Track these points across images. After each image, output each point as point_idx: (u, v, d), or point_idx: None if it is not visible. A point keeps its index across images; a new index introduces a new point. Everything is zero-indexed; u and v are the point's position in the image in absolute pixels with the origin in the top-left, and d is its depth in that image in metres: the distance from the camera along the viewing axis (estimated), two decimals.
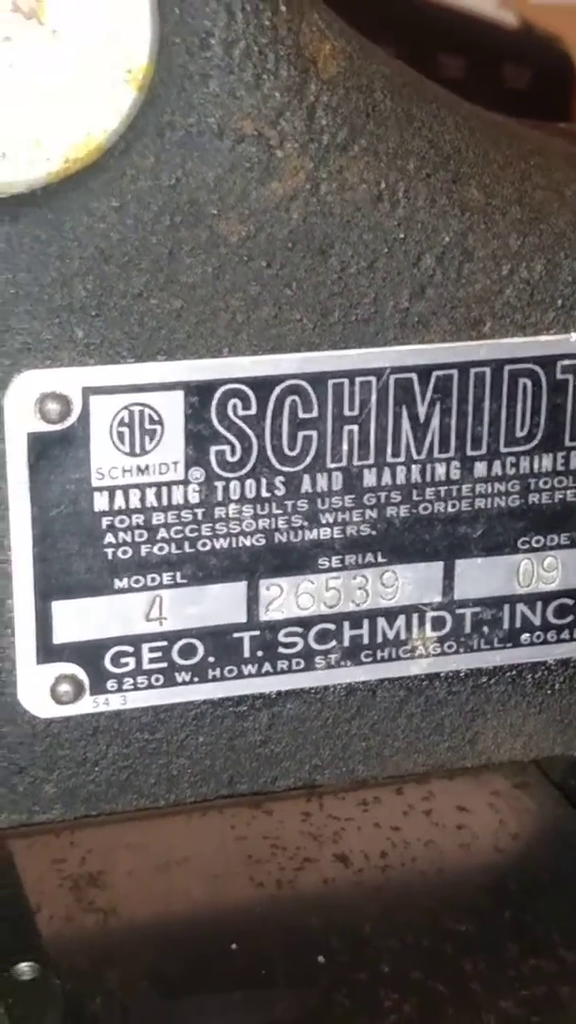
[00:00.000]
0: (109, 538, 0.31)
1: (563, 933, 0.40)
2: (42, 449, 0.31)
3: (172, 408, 0.32)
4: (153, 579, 0.33)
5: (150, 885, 0.41)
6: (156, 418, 0.32)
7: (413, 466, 0.34)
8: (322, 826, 0.43)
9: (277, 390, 0.32)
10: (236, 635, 0.33)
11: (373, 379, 0.33)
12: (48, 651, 0.32)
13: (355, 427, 0.33)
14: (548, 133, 0.37)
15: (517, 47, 0.58)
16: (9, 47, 0.27)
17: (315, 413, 0.33)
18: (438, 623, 0.35)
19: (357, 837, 0.43)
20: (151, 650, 0.32)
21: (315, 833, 0.43)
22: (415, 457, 0.34)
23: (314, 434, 0.33)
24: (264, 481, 0.33)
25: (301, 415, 0.33)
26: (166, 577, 0.32)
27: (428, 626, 0.35)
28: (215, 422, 0.32)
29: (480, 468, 0.34)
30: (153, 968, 0.38)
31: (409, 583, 0.34)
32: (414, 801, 0.44)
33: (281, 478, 0.33)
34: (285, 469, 0.33)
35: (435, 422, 0.33)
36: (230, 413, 0.32)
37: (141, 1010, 0.36)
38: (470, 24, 0.59)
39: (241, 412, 0.32)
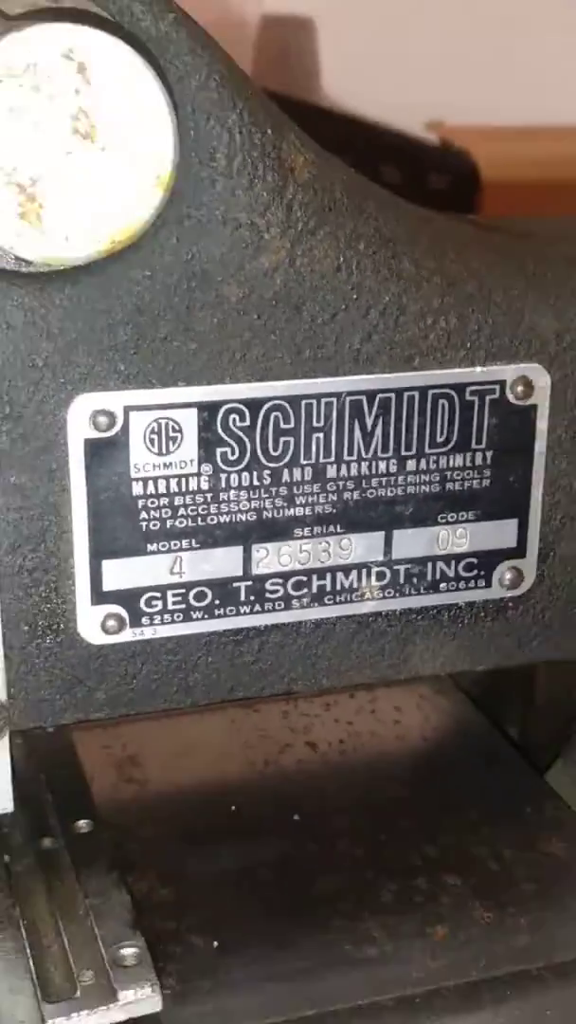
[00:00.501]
0: (143, 515, 0.31)
1: (470, 796, 0.40)
2: (94, 451, 0.30)
3: (189, 421, 0.31)
4: (175, 544, 0.32)
5: (173, 764, 0.41)
6: (177, 428, 0.31)
7: (363, 463, 0.33)
8: (297, 721, 0.43)
9: (265, 408, 0.32)
10: (235, 584, 0.33)
11: (334, 400, 0.32)
12: (99, 596, 0.32)
13: (321, 435, 0.33)
14: (461, 222, 0.36)
15: (438, 159, 0.57)
16: (71, 159, 0.27)
17: (292, 425, 0.32)
18: (380, 575, 0.34)
19: (322, 729, 0.43)
20: (173, 596, 0.32)
21: (292, 726, 0.43)
22: (364, 456, 0.33)
23: (292, 440, 0.32)
24: (255, 473, 0.32)
25: (282, 426, 0.32)
26: (184, 543, 0.32)
27: (373, 578, 0.34)
28: (220, 431, 0.32)
29: (411, 464, 0.34)
30: (176, 824, 0.38)
31: (359, 547, 0.34)
32: (363, 703, 0.44)
33: (268, 471, 0.32)
34: (271, 465, 0.32)
35: (379, 431, 0.33)
36: (231, 424, 0.32)
37: (168, 855, 0.36)
38: (403, 142, 0.58)
39: (239, 424, 0.32)
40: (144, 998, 0.29)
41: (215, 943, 0.33)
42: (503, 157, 0.63)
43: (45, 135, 0.26)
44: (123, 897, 0.32)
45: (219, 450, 0.32)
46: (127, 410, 0.30)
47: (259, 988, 0.31)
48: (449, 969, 0.32)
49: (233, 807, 0.39)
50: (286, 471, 0.33)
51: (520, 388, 0.34)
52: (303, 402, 0.32)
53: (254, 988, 0.31)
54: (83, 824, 0.35)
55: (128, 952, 0.30)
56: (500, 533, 0.35)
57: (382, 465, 0.34)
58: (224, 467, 0.32)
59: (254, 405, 0.32)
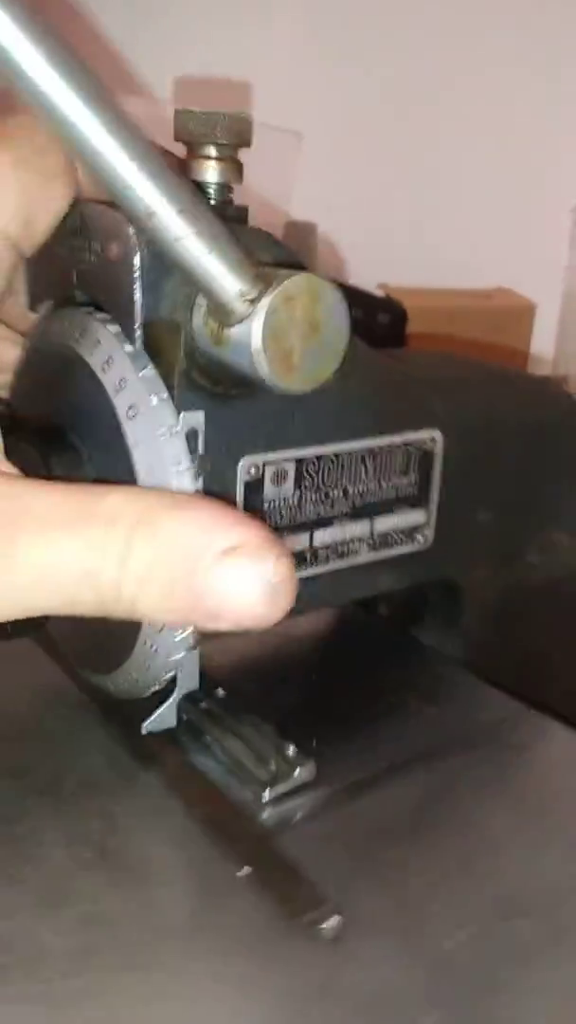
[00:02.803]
0: (266, 518, 0.35)
1: (386, 655, 0.44)
2: (247, 489, 0.34)
3: (291, 468, 0.35)
4: (279, 533, 0.35)
5: (250, 655, 0.43)
6: (285, 473, 0.35)
7: (363, 484, 0.38)
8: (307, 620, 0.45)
9: (321, 460, 0.36)
10: (304, 554, 0.37)
11: (352, 453, 0.37)
12: None
13: (345, 469, 0.37)
14: (397, 359, 0.41)
15: (384, 305, 0.62)
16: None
17: (333, 465, 0.37)
18: (368, 542, 0.39)
19: (309, 623, 0.46)
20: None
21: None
22: (364, 480, 0.38)
23: (333, 474, 0.37)
24: (319, 493, 0.36)
25: (329, 468, 0.36)
26: (283, 532, 0.36)
27: (364, 545, 0.39)
28: (303, 473, 0.36)
29: (383, 483, 0.38)
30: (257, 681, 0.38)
31: (358, 528, 0.38)
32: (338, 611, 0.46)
33: (323, 492, 0.37)
34: (324, 488, 0.37)
35: (371, 467, 0.38)
36: (306, 469, 0.36)
37: (260, 700, 0.37)
38: (365, 295, 0.62)
39: (312, 469, 0.36)
40: (306, 769, 0.34)
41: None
42: (419, 304, 0.72)
43: None
44: (270, 727, 0.36)
45: (302, 481, 0.36)
46: (264, 464, 0.34)
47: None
48: None
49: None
50: (331, 491, 0.37)
51: (428, 442, 0.39)
52: (334, 455, 0.37)
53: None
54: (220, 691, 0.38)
55: (290, 751, 0.35)
56: (419, 515, 0.40)
57: (371, 484, 0.38)
58: (305, 490, 0.36)
59: (318, 458, 0.36)
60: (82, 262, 0.32)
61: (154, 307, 0.30)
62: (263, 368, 0.28)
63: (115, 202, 0.26)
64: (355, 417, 0.37)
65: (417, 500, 0.40)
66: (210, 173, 0.33)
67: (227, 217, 0.33)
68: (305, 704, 0.40)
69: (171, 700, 0.36)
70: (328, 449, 0.36)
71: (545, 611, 0.49)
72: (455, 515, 0.43)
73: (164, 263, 0.29)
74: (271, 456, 0.35)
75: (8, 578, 0.22)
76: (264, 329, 0.28)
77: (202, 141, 0.33)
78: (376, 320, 0.60)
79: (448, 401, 0.41)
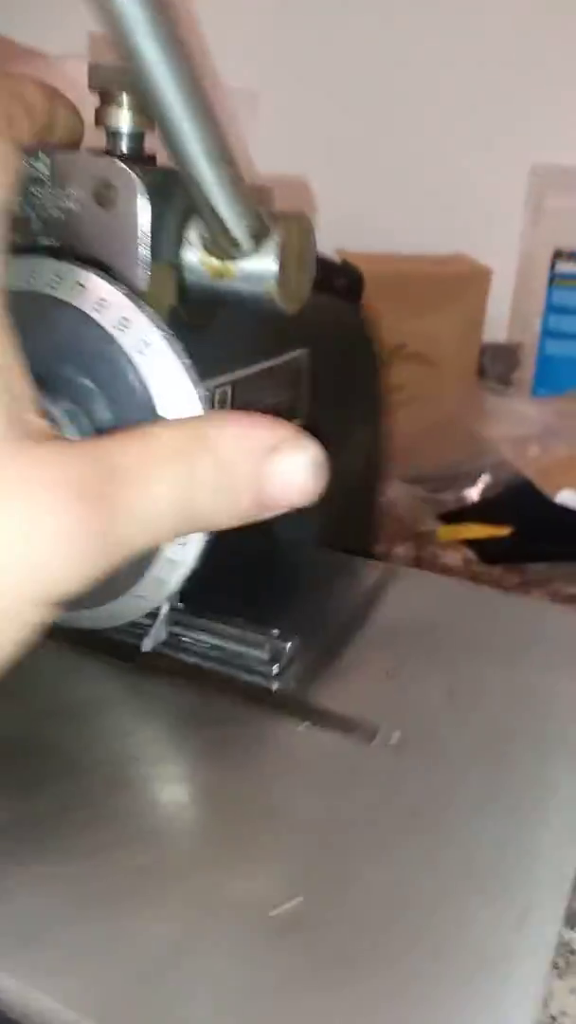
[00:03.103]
0: None
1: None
2: (206, 405, 0.34)
3: (229, 391, 0.38)
4: None
5: None
6: (226, 395, 0.38)
7: (265, 401, 0.41)
8: None
9: (247, 380, 0.39)
10: None
11: (258, 374, 0.40)
12: None
13: (259, 384, 0.40)
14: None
15: (341, 270, 0.60)
16: None
17: (252, 386, 0.39)
18: None
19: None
20: None
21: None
22: (266, 397, 0.41)
23: (251, 393, 0.39)
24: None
25: (249, 388, 0.39)
26: None
27: None
28: (236, 395, 0.38)
29: (275, 399, 0.42)
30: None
31: None
32: None
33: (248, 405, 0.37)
34: (246, 408, 0.39)
35: (271, 382, 0.42)
36: (237, 391, 0.38)
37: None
38: (323, 261, 0.60)
39: (241, 390, 0.38)
40: (294, 643, 0.39)
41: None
42: (376, 269, 0.71)
43: None
44: (242, 620, 0.39)
45: (235, 402, 0.38)
46: (214, 388, 0.37)
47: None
48: None
49: None
50: (248, 410, 0.40)
51: (300, 359, 0.44)
52: (254, 376, 0.40)
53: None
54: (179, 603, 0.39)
55: (275, 631, 0.38)
56: (298, 425, 0.46)
57: (269, 400, 0.41)
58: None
59: (245, 379, 0.39)
60: (53, 210, 0.32)
61: (154, 248, 0.32)
62: (278, 294, 0.32)
63: (172, 141, 0.28)
64: (260, 341, 0.41)
65: (295, 412, 0.45)
66: (123, 122, 0.34)
67: (141, 161, 0.35)
68: (230, 601, 0.43)
69: (162, 615, 0.38)
70: (250, 371, 0.40)
71: (355, 492, 0.58)
72: (314, 422, 0.49)
73: (159, 206, 0.31)
74: (219, 380, 0.37)
75: (119, 531, 0.23)
76: (278, 259, 0.32)
77: (115, 89, 0.34)
78: (333, 285, 0.61)
79: (304, 326, 0.47)
